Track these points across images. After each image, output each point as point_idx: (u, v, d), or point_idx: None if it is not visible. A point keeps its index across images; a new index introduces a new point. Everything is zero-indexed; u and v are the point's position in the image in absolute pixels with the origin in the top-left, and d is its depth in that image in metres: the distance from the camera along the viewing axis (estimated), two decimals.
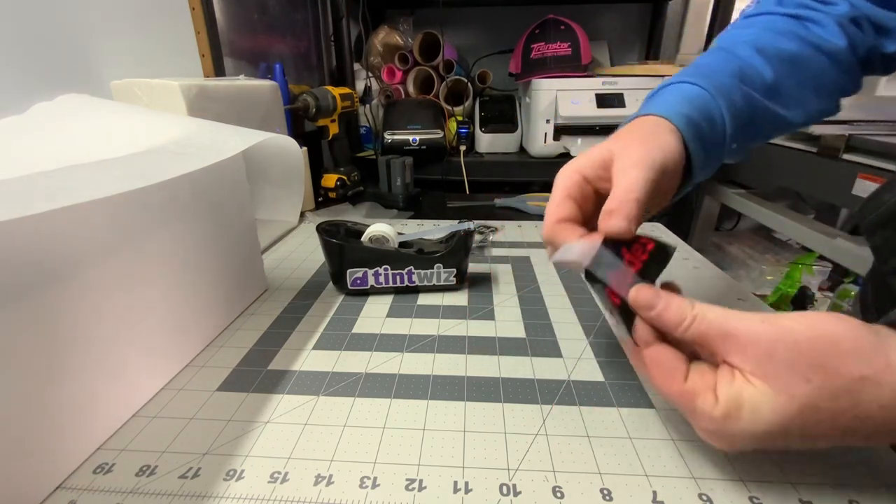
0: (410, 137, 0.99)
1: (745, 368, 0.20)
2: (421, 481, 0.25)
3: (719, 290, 0.47)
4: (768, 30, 0.33)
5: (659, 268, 0.25)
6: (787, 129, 0.34)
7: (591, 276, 0.26)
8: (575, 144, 0.98)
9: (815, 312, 0.21)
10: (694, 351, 0.23)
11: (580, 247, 0.26)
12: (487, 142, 1.11)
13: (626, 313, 0.25)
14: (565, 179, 0.28)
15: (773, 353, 0.20)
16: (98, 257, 0.26)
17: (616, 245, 0.25)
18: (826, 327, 0.20)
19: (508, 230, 0.66)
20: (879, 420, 0.19)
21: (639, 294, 0.24)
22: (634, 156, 0.26)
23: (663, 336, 0.24)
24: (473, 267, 0.52)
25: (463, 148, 1.03)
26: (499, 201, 0.81)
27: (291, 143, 0.54)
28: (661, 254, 0.25)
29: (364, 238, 0.46)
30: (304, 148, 0.71)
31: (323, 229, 0.45)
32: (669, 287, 0.26)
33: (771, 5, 0.35)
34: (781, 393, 0.19)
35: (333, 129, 0.79)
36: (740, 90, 0.31)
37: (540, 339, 0.38)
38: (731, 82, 0.31)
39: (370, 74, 1.19)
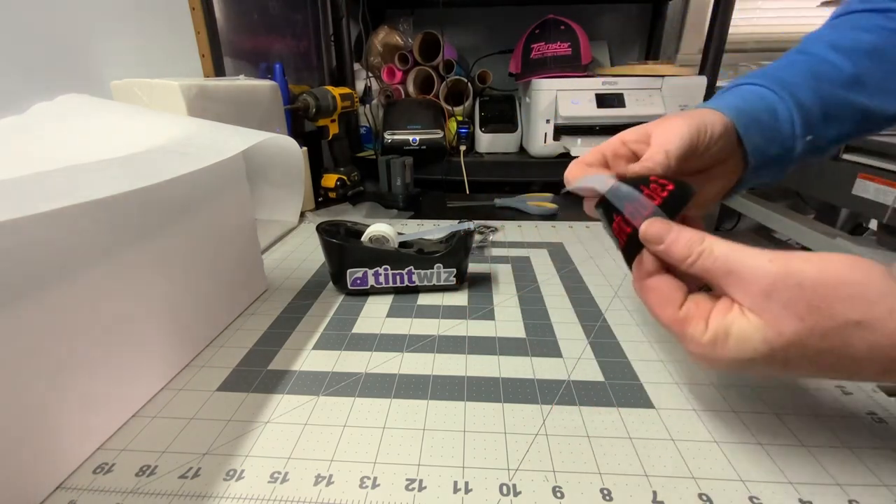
0: (410, 137, 0.99)
1: (743, 303, 0.21)
2: (421, 481, 0.25)
3: None
4: (848, 27, 0.34)
5: (677, 207, 0.26)
6: (884, 121, 0.34)
7: (604, 206, 0.27)
8: (575, 144, 0.98)
9: (833, 254, 0.21)
10: (706, 283, 0.24)
11: (600, 176, 0.28)
12: (487, 142, 1.11)
13: (633, 246, 0.26)
14: (605, 142, 0.31)
15: (773, 291, 0.20)
16: (98, 257, 0.26)
17: (635, 183, 0.26)
18: (837, 271, 0.20)
19: (508, 230, 0.66)
20: (866, 360, 0.19)
21: (649, 228, 0.25)
22: (672, 120, 0.29)
23: (669, 267, 0.25)
24: (473, 267, 0.52)
25: (463, 148, 1.03)
26: (499, 201, 0.81)
27: (291, 143, 0.54)
28: (682, 193, 0.25)
29: (364, 238, 0.46)
30: (304, 148, 0.71)
31: (323, 229, 0.45)
32: (690, 219, 0.26)
33: (855, 3, 0.35)
34: (771, 328, 0.20)
35: (333, 129, 0.79)
36: (810, 85, 0.31)
37: (540, 339, 0.38)
38: (798, 78, 0.31)
39: (370, 74, 1.19)
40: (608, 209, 0.27)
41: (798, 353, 0.20)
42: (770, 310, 0.20)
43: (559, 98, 0.97)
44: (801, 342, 0.20)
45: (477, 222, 0.65)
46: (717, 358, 0.22)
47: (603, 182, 0.27)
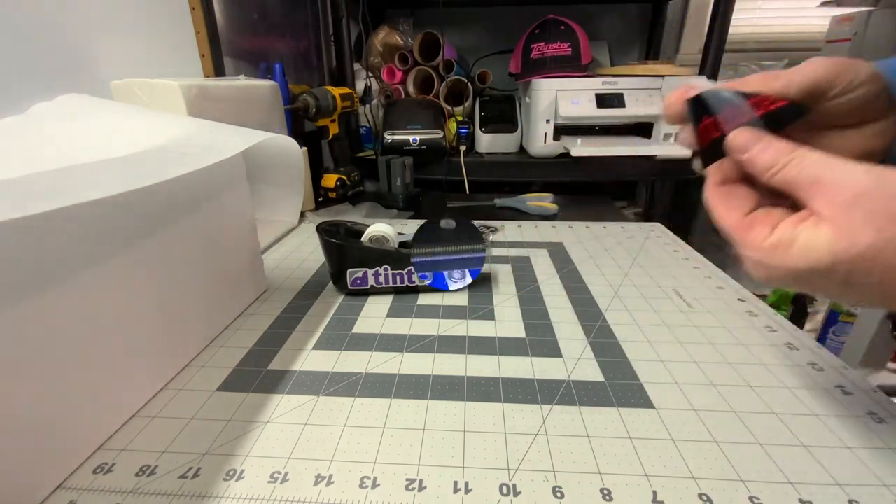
0: (410, 137, 0.99)
1: (823, 212, 0.20)
2: (421, 481, 0.25)
3: (720, 290, 0.46)
4: None
5: (782, 123, 0.24)
6: None
7: (695, 103, 0.26)
8: (575, 144, 0.98)
9: None
10: (792, 204, 0.22)
11: (707, 84, 0.26)
12: (487, 142, 1.11)
13: (715, 151, 0.25)
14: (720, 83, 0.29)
15: (859, 199, 0.19)
16: (97, 257, 0.26)
17: (743, 93, 0.25)
18: None
19: (508, 230, 0.66)
20: None
21: (738, 135, 0.23)
22: (811, 60, 0.26)
23: (751, 181, 0.24)
24: None
25: (463, 148, 1.03)
26: (499, 201, 0.81)
27: (291, 143, 0.54)
28: (793, 110, 0.24)
29: (364, 238, 0.46)
30: (304, 148, 0.71)
31: (323, 229, 0.45)
32: (789, 134, 0.24)
33: None
34: (844, 238, 0.19)
35: (333, 129, 0.79)
36: None
37: (540, 339, 0.38)
38: None
39: (370, 74, 1.19)
40: (698, 108, 0.25)
41: (865, 268, 0.19)
42: (850, 218, 0.19)
43: (559, 98, 0.97)
44: (874, 256, 0.18)
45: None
46: (775, 265, 0.21)
47: (707, 83, 0.26)
